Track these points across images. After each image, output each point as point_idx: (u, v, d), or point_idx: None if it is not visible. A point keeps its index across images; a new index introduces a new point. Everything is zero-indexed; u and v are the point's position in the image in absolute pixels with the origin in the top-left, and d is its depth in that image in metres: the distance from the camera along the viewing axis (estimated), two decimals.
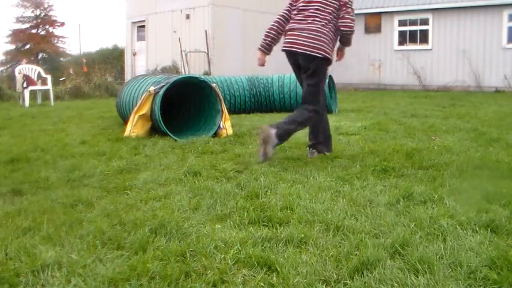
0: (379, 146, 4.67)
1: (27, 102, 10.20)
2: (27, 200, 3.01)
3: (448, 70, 14.94)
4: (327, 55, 4.03)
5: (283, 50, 4.21)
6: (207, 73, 13.89)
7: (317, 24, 3.99)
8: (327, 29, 4.00)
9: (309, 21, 4.02)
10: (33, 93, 10.85)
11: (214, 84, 5.66)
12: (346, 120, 7.06)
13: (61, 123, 6.94)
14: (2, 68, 25.34)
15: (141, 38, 17.23)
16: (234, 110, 7.85)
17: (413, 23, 15.77)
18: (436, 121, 6.66)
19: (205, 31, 14.45)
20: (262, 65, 4.42)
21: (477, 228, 2.40)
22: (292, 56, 4.17)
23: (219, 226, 2.49)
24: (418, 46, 15.63)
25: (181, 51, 14.44)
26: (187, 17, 15.27)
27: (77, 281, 1.89)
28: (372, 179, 3.40)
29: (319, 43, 3.98)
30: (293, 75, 8.58)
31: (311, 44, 3.98)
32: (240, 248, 2.17)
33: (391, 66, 16.20)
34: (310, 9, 4.04)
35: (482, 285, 1.86)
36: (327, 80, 8.24)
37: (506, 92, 13.43)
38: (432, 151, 4.39)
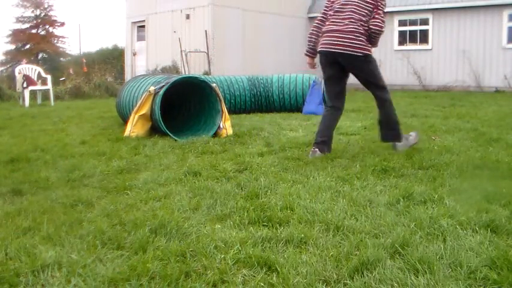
0: (379, 146, 4.66)
1: (27, 102, 10.20)
2: (27, 200, 3.01)
3: (448, 70, 14.94)
4: (367, 52, 4.24)
5: (320, 51, 4.39)
6: (207, 73, 13.88)
7: (354, 25, 4.19)
8: (363, 29, 4.20)
9: (346, 22, 4.22)
10: (33, 93, 10.85)
11: (214, 84, 5.66)
12: (346, 120, 7.05)
13: (61, 123, 6.94)
14: (2, 68, 25.39)
15: (141, 38, 17.23)
16: (234, 110, 7.86)
17: (413, 23, 15.77)
18: (436, 121, 6.66)
19: (205, 31, 14.45)
20: (313, 67, 4.69)
21: (477, 228, 2.40)
22: (330, 57, 4.31)
23: (219, 226, 2.49)
24: (418, 46, 15.62)
25: (181, 51, 14.44)
26: (187, 17, 15.27)
27: (77, 281, 1.89)
28: (372, 179, 3.40)
29: (358, 42, 4.18)
30: (293, 75, 8.65)
31: (351, 44, 4.18)
32: (240, 248, 2.17)
33: (391, 66, 16.19)
34: (346, 11, 4.25)
35: (482, 285, 1.86)
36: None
37: (506, 92, 13.43)
38: (432, 151, 4.39)
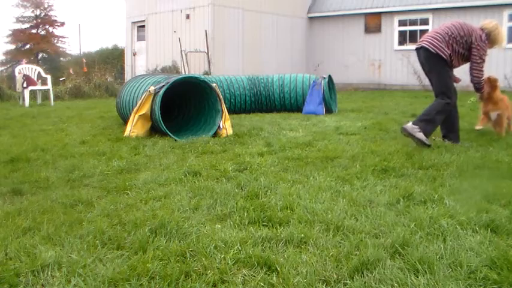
0: (379, 146, 4.66)
1: (27, 102, 10.20)
2: (27, 200, 3.01)
3: None
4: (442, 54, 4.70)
5: None
6: (207, 73, 13.88)
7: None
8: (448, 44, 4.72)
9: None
10: (33, 93, 10.85)
11: (214, 84, 5.66)
12: (346, 120, 7.06)
13: (61, 123, 6.94)
14: (2, 68, 25.39)
15: (141, 38, 17.23)
16: (234, 110, 7.86)
17: (413, 23, 15.77)
18: None
19: (205, 31, 14.45)
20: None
21: (477, 228, 2.40)
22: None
23: (219, 226, 2.49)
24: None
25: (181, 51, 14.44)
26: (187, 17, 15.27)
27: (77, 281, 1.89)
28: (372, 179, 3.40)
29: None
30: (293, 75, 8.65)
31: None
32: (240, 248, 2.17)
33: (391, 66, 16.20)
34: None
35: (482, 285, 1.86)
36: (327, 80, 8.26)
37: (507, 92, 13.41)
38: (432, 151, 4.39)
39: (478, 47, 4.67)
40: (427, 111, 4.71)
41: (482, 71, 4.79)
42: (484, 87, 4.99)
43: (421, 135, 4.53)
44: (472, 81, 4.87)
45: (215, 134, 5.49)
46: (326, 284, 1.89)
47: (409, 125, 4.58)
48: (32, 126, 6.65)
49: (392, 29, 16.06)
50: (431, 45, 4.73)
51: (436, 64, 4.75)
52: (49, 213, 2.71)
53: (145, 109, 5.47)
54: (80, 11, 56.23)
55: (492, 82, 5.15)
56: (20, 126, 6.66)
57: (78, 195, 3.06)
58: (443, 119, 4.73)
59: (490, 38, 4.75)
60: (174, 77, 5.62)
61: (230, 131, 5.60)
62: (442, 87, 4.76)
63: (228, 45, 15.06)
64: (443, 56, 4.68)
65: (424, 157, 4.08)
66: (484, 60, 4.75)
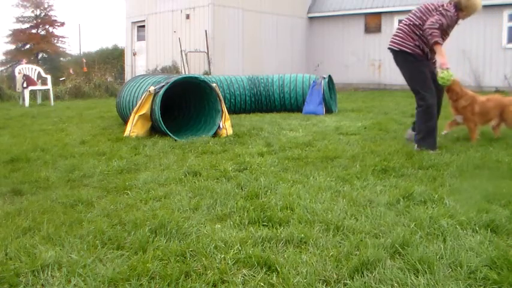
0: (379, 146, 4.66)
1: (27, 102, 10.20)
2: (27, 200, 3.01)
3: None
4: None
5: None
6: (207, 73, 13.88)
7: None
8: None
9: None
10: (33, 93, 10.85)
11: (214, 84, 5.66)
12: (346, 120, 7.06)
13: (61, 123, 6.94)
14: (2, 68, 25.37)
15: (141, 38, 17.23)
16: (234, 110, 7.86)
17: None
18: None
19: (205, 31, 14.45)
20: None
21: (477, 228, 2.40)
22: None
23: (219, 226, 2.49)
24: None
25: (181, 51, 14.44)
26: (187, 17, 15.27)
27: (77, 281, 1.89)
28: (372, 179, 3.40)
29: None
30: (293, 75, 8.64)
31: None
32: (240, 248, 2.17)
33: (391, 66, 16.12)
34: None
35: (482, 285, 1.86)
36: (327, 80, 8.26)
37: (507, 92, 13.43)
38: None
39: (439, 13, 4.35)
40: (417, 128, 4.55)
41: (435, 31, 4.29)
42: (436, 39, 4.35)
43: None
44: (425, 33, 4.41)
45: (215, 134, 5.49)
46: (326, 284, 1.89)
47: (409, 132, 4.56)
48: (32, 126, 6.65)
49: (393, 29, 16.02)
50: (393, 44, 4.55)
51: (404, 61, 4.55)
52: (49, 213, 2.71)
53: (145, 109, 5.46)
54: (80, 11, 56.27)
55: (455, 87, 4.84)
56: (20, 126, 6.66)
57: (78, 195, 3.06)
58: (435, 120, 4.51)
59: (462, 6, 4.42)
60: (174, 77, 5.62)
61: (230, 131, 5.60)
62: (415, 85, 4.52)
63: (228, 45, 15.06)
64: (408, 50, 4.46)
65: (424, 157, 4.08)
66: (440, 25, 4.32)
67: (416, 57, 4.49)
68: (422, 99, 4.45)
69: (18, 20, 27.60)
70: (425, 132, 4.45)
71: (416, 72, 4.50)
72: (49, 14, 28.14)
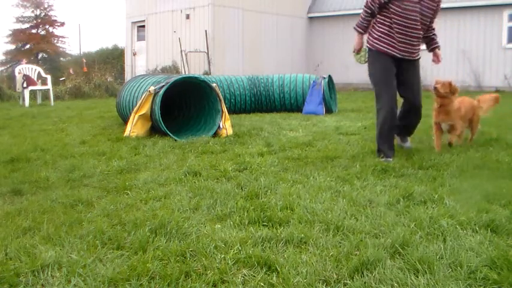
0: None
1: (27, 102, 10.20)
2: (27, 200, 3.01)
3: (448, 70, 14.90)
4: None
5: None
6: (207, 73, 13.88)
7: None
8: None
9: None
10: (33, 93, 10.85)
11: (214, 84, 5.66)
12: (346, 120, 7.06)
13: (61, 123, 6.94)
14: (2, 68, 25.39)
15: (141, 38, 17.23)
16: (234, 110, 7.86)
17: None
18: None
19: (205, 31, 14.45)
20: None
21: (477, 228, 2.40)
22: None
23: (219, 226, 2.49)
24: None
25: (181, 51, 14.44)
26: (187, 17, 15.27)
27: (77, 281, 1.89)
28: (372, 179, 3.40)
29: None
30: (293, 75, 8.64)
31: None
32: (240, 248, 2.17)
33: None
34: None
35: (482, 285, 1.86)
36: (327, 80, 8.26)
37: (506, 92, 13.43)
38: (432, 151, 4.39)
39: None
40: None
41: (364, 18, 4.25)
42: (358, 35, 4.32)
43: (408, 144, 4.65)
44: None
45: (215, 134, 5.49)
46: (326, 284, 1.88)
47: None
48: (32, 126, 6.65)
49: None
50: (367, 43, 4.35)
51: (368, 59, 4.43)
52: (49, 213, 2.71)
53: (145, 109, 5.47)
54: (80, 11, 56.27)
55: (452, 89, 4.71)
56: (20, 126, 6.66)
57: (78, 195, 3.06)
58: (390, 127, 4.17)
59: None
60: (174, 77, 5.62)
61: (230, 131, 5.60)
62: (373, 85, 4.39)
63: (228, 45, 15.06)
64: (368, 46, 4.31)
65: (424, 157, 4.08)
66: (370, 8, 4.17)
67: (375, 53, 4.40)
68: (377, 101, 4.46)
69: (18, 20, 27.63)
70: (378, 133, 4.21)
71: (374, 71, 4.51)
72: (49, 14, 28.16)
